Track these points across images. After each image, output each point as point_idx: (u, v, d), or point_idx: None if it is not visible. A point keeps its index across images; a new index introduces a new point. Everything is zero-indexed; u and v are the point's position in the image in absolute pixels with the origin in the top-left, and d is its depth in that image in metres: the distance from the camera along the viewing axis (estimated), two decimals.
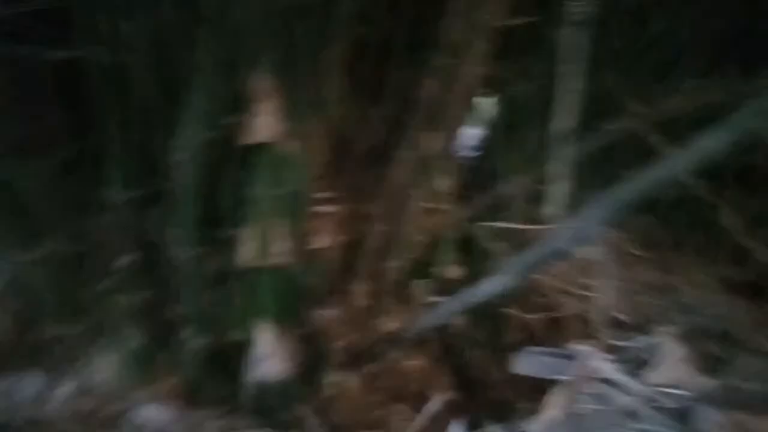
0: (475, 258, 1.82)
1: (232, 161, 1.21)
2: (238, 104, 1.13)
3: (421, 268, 1.76)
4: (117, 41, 1.07)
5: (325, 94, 1.28)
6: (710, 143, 0.72)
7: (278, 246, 1.23)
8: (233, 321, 1.27)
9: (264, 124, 1.13)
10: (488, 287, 1.06)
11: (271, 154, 1.18)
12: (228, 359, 1.27)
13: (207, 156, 1.09)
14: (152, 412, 1.08)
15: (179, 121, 1.04)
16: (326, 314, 1.60)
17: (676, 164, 0.75)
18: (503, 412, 1.35)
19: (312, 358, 1.52)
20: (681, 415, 0.67)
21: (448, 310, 1.31)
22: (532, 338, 1.96)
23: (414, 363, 1.81)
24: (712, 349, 2.00)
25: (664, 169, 0.76)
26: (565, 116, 0.81)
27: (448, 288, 1.81)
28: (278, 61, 1.08)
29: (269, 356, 1.25)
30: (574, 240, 0.85)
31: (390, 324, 1.75)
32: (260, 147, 1.17)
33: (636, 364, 0.81)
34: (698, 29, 1.63)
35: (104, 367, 1.15)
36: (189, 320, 1.19)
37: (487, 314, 1.89)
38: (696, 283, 2.32)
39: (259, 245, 1.22)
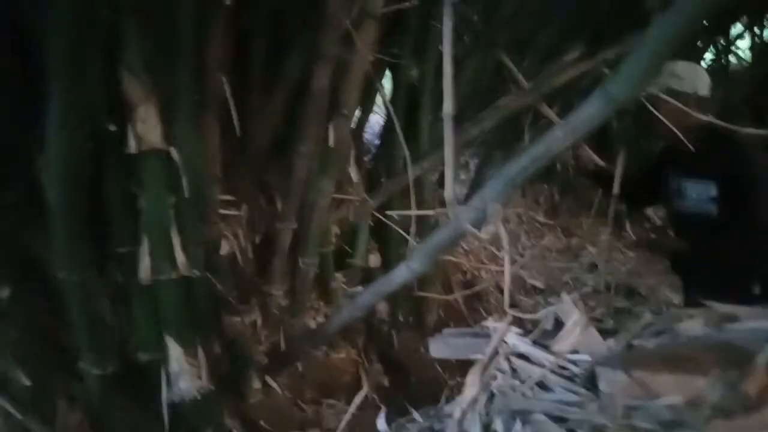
0: (389, 243, 1.82)
1: (116, 171, 1.12)
2: (114, 109, 1.04)
3: (339, 262, 1.74)
4: None
5: (211, 92, 1.21)
6: (586, 114, 0.75)
7: (180, 256, 1.16)
8: (139, 341, 1.18)
9: (146, 129, 1.06)
10: (399, 274, 1.06)
11: (160, 160, 1.10)
12: (137, 383, 1.19)
13: (82, 168, 0.99)
14: None
15: (45, 130, 0.93)
16: (243, 320, 1.54)
17: (558, 136, 0.77)
18: (430, 395, 1.36)
19: (233, 367, 1.46)
20: (586, 379, 0.70)
21: (367, 299, 1.29)
22: (453, 316, 2.01)
23: (340, 355, 1.80)
24: (620, 304, 2.15)
25: (547, 142, 0.78)
26: (447, 99, 0.81)
27: (367, 276, 1.80)
28: (152, 59, 1.00)
29: (183, 373, 1.18)
30: (474, 219, 0.86)
31: (312, 320, 1.72)
32: (147, 154, 1.09)
33: (545, 335, 0.83)
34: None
35: None
36: (87, 347, 1.10)
37: (407, 298, 1.91)
38: (600, 245, 2.47)
39: (160, 257, 1.14)
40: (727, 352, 0.61)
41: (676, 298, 2.16)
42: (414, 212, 1.26)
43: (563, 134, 0.77)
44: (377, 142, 2.04)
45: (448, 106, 0.77)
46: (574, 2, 1.86)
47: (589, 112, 0.74)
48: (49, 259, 1.08)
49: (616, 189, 1.29)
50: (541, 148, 0.80)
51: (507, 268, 0.91)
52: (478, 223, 0.87)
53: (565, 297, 0.82)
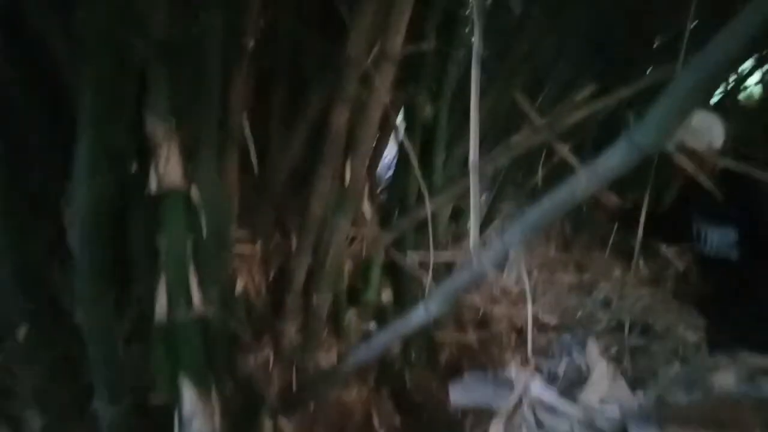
0: (402, 280, 1.81)
1: (138, 211, 1.13)
2: (137, 150, 1.05)
3: (352, 297, 1.73)
4: None
5: (232, 132, 1.22)
6: (611, 161, 0.75)
7: (197, 296, 1.15)
8: (154, 381, 1.17)
9: (167, 169, 1.06)
10: (416, 316, 1.05)
11: (180, 200, 1.11)
12: (152, 423, 1.18)
13: (107, 208, 1.00)
14: None
15: (71, 171, 0.95)
16: (257, 358, 1.52)
17: (581, 182, 0.77)
18: None
19: (246, 406, 1.44)
20: None
21: (383, 340, 1.28)
22: (467, 355, 1.98)
23: (354, 395, 1.77)
24: (635, 342, 2.11)
25: (570, 188, 0.78)
26: (473, 149, 0.81)
27: (380, 314, 1.79)
28: (176, 101, 1.01)
29: (198, 414, 1.16)
30: (493, 263, 0.85)
31: (326, 358, 1.70)
32: (167, 193, 1.09)
33: (570, 384, 0.81)
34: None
35: None
36: (103, 387, 1.09)
37: (422, 338, 1.88)
38: (616, 280, 2.45)
39: (177, 297, 1.14)
40: (764, 410, 0.60)
41: (693, 337, 2.12)
42: (431, 254, 1.25)
43: (587, 180, 0.77)
44: (390, 176, 2.05)
45: (473, 156, 0.77)
46: (589, 40, 1.88)
47: (614, 159, 0.74)
48: (67, 298, 1.08)
49: (639, 229, 1.29)
50: (564, 194, 0.80)
51: (529, 313, 0.90)
52: (498, 266, 0.87)
53: (591, 344, 0.81)
